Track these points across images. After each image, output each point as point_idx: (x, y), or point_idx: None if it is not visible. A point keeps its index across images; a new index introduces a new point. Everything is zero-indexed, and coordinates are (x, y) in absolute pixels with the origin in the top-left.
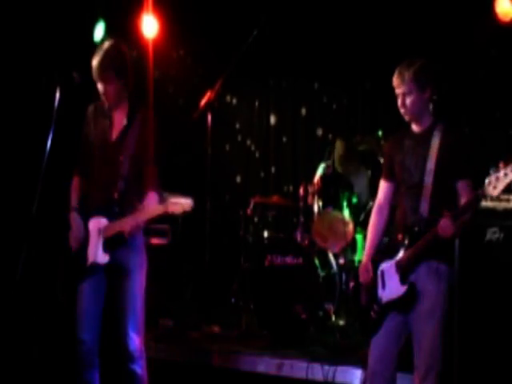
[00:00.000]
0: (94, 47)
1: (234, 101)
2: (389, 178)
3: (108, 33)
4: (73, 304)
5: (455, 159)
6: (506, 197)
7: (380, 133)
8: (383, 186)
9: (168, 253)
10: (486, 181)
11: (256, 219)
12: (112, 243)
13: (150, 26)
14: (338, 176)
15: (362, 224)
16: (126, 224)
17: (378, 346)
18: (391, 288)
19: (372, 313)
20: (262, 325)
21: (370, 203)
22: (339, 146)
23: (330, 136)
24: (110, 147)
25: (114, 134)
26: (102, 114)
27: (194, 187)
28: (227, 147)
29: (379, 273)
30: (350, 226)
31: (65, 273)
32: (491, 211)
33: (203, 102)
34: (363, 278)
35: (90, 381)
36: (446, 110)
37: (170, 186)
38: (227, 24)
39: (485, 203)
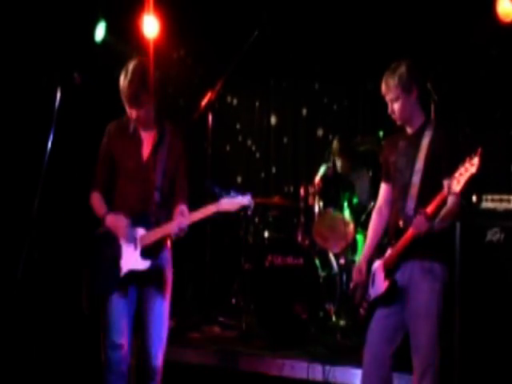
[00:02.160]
0: (94, 47)
1: (235, 101)
2: (387, 180)
3: (109, 33)
4: (100, 313)
5: (443, 156)
6: (506, 197)
7: (381, 133)
8: (382, 188)
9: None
10: (452, 176)
11: (257, 220)
12: (151, 250)
13: (150, 26)
14: (338, 176)
15: (362, 224)
16: (172, 226)
17: (372, 345)
18: (377, 285)
19: (361, 310)
20: (262, 325)
21: (371, 204)
22: (336, 142)
23: (331, 136)
24: (143, 166)
25: (145, 153)
26: (128, 135)
27: (195, 187)
28: (228, 147)
29: (371, 272)
30: (351, 227)
31: (92, 284)
32: (492, 212)
33: (204, 102)
34: (355, 278)
35: None
36: (447, 111)
37: None
38: (228, 24)
39: (485, 204)
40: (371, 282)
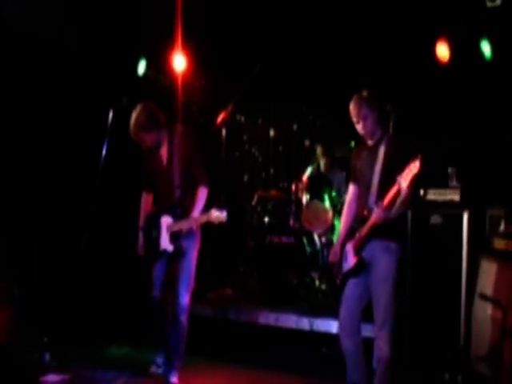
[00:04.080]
0: (137, 78)
1: (243, 118)
2: (354, 182)
3: (148, 67)
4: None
5: (396, 161)
6: (443, 191)
7: (352, 143)
8: (350, 188)
9: None
10: (401, 176)
11: (259, 208)
12: (175, 236)
13: (179, 62)
14: (321, 176)
15: (339, 212)
16: (183, 225)
17: (346, 305)
18: (348, 261)
19: (337, 280)
20: (262, 288)
21: (345, 197)
22: (319, 150)
23: (315, 145)
24: (165, 172)
25: (164, 162)
26: (150, 149)
27: (212, 185)
28: (237, 154)
29: (345, 250)
30: (330, 214)
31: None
32: (434, 202)
33: (219, 119)
34: (331, 258)
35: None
36: (404, 125)
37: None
38: (238, 60)
39: (429, 196)
40: (344, 259)
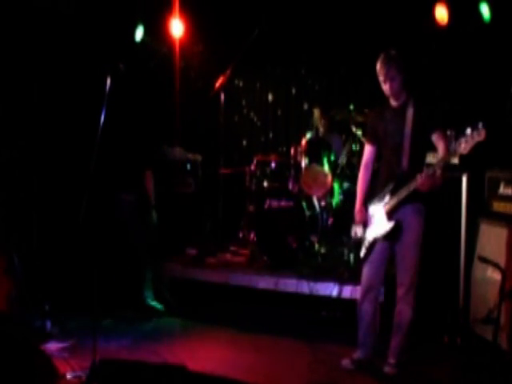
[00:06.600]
0: (135, 45)
1: (241, 83)
2: (372, 143)
3: (146, 34)
4: None
5: (425, 122)
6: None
7: (351, 106)
8: (368, 149)
9: (192, 198)
10: (458, 141)
11: (258, 172)
12: None
13: (177, 28)
14: (320, 139)
15: (337, 176)
16: None
17: (371, 272)
18: (380, 225)
19: (363, 246)
20: (262, 252)
21: (344, 160)
22: (316, 112)
23: (313, 109)
24: None
25: None
26: None
27: (211, 149)
28: (236, 118)
29: (369, 213)
30: (329, 177)
31: None
32: (431, 165)
33: (217, 84)
34: (358, 218)
35: None
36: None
37: (194, 149)
38: (235, 24)
39: (427, 159)
40: (370, 222)
